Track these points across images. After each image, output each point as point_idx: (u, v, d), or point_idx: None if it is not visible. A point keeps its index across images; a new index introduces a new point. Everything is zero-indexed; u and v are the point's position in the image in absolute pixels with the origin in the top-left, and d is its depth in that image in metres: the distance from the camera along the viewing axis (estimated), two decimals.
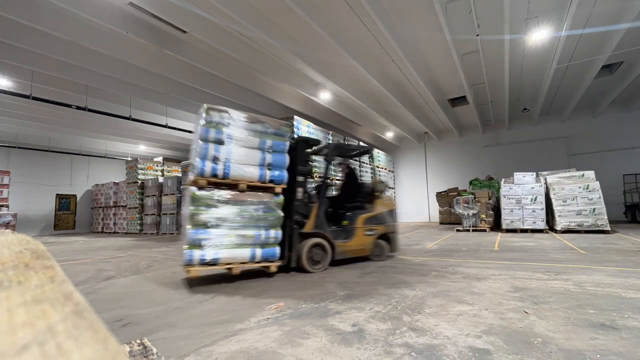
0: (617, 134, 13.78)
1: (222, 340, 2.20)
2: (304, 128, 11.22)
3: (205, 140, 3.88)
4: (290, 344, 2.09)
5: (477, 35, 7.81)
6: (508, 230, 9.61)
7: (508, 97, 12.00)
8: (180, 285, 3.89)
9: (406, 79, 10.39)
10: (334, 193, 6.08)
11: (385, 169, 18.06)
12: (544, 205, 9.21)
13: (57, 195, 17.96)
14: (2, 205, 9.91)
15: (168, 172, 17.89)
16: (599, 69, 9.43)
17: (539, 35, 7.70)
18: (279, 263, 4.21)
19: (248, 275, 4.31)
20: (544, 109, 14.04)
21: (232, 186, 4.00)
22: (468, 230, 10.30)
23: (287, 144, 4.46)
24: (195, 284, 3.95)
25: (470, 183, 13.29)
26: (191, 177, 3.85)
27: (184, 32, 7.15)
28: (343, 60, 8.52)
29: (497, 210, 11.08)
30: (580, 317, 2.43)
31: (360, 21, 7.24)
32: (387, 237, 5.28)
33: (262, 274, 4.37)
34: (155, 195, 15.28)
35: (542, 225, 9.15)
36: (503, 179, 10.42)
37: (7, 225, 9.40)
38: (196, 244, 3.65)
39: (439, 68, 9.90)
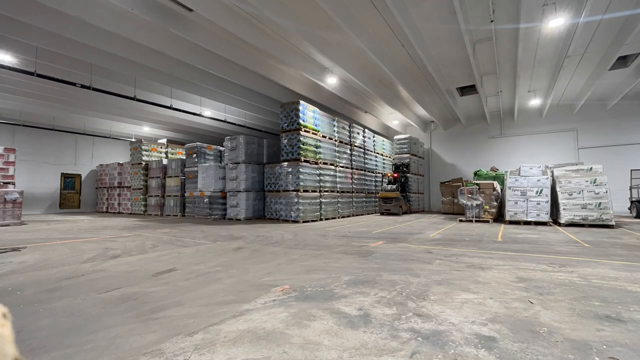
0: (628, 129, 13.56)
1: (229, 319, 2.23)
2: (310, 113, 11.10)
3: None
4: (297, 325, 2.12)
5: (492, 22, 7.58)
6: (511, 222, 9.60)
7: (519, 87, 11.75)
8: (186, 266, 3.94)
9: (415, 65, 10.17)
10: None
11: (389, 157, 17.97)
12: (549, 198, 9.15)
13: (62, 174, 18.10)
14: (9, 183, 9.98)
15: (172, 154, 17.91)
16: (614, 60, 9.15)
17: (556, 23, 7.46)
18: None
19: (255, 256, 4.34)
20: (555, 100, 13.77)
21: None
22: (471, 221, 10.30)
23: None
24: (201, 264, 3.99)
25: (475, 174, 13.23)
26: None
27: (190, 10, 6.98)
28: (352, 43, 8.33)
29: (500, 201, 11.05)
30: (585, 308, 2.43)
31: (371, 3, 7.02)
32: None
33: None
34: (159, 177, 15.35)
35: (545, 217, 9.12)
36: (509, 170, 10.33)
37: (14, 202, 9.49)
38: None
39: (450, 55, 9.65)
